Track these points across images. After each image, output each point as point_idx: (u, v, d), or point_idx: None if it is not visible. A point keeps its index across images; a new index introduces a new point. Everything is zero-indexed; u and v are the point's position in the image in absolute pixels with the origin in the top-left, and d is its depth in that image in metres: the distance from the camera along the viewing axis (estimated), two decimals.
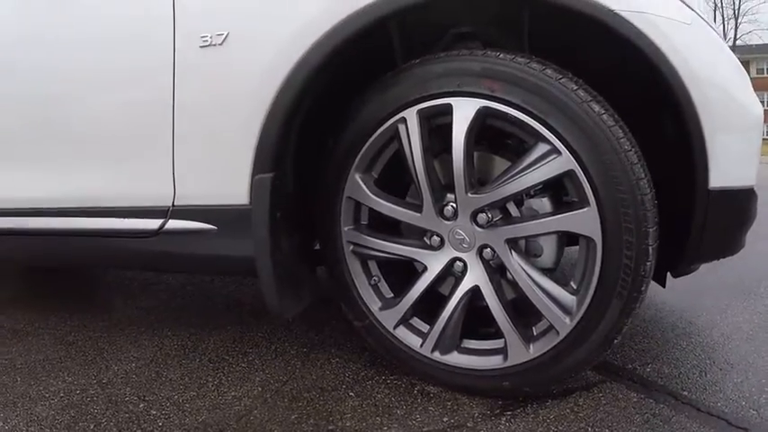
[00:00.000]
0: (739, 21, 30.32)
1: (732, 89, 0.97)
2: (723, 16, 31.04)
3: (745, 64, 35.50)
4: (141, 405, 1.07)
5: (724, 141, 0.92)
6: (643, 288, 0.87)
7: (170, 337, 1.40)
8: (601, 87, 0.92)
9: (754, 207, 1.05)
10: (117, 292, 1.90)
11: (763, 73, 35.80)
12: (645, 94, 0.95)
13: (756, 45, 30.72)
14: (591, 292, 0.89)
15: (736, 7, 30.05)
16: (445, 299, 1.04)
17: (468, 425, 0.97)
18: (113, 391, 1.14)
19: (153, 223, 1.05)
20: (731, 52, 1.04)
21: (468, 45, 1.04)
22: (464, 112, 0.89)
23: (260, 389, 1.11)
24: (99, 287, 1.99)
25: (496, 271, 0.99)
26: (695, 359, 1.25)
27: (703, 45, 0.94)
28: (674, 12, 0.91)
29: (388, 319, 1.08)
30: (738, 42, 31.33)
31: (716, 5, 30.83)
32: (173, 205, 1.04)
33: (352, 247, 1.07)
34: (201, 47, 0.97)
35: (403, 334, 1.08)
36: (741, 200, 1.00)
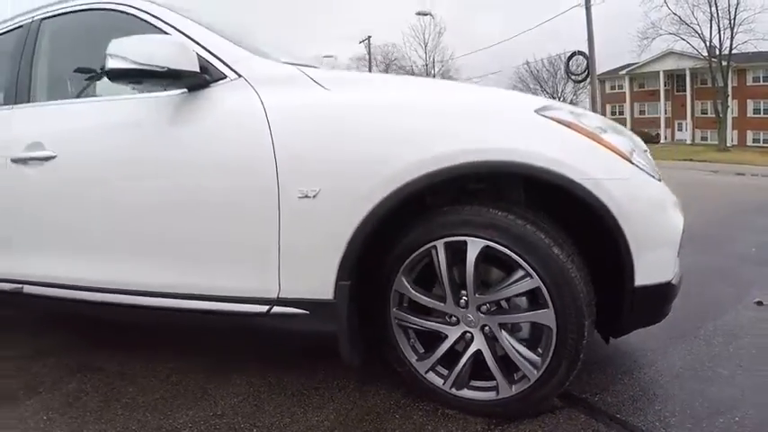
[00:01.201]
0: (735, 30, 31.11)
1: (657, 219, 1.61)
2: (719, 26, 31.87)
3: (741, 72, 36.63)
4: (255, 431, 1.68)
5: (647, 256, 1.56)
6: (581, 355, 1.51)
7: (256, 376, 2.01)
8: (568, 221, 1.54)
9: (672, 293, 1.68)
10: (199, 336, 2.49)
11: (759, 81, 37.01)
12: (596, 227, 1.57)
13: (753, 53, 31.60)
14: (549, 356, 1.53)
15: (732, 17, 30.89)
16: (459, 354, 1.67)
17: None
18: (230, 421, 1.74)
19: (263, 308, 1.67)
20: (660, 186, 1.67)
21: (479, 193, 1.66)
22: (474, 247, 1.52)
23: (334, 414, 1.74)
24: (183, 333, 2.56)
25: (492, 339, 1.62)
26: (631, 391, 1.88)
27: (636, 192, 1.57)
28: (616, 171, 1.54)
29: (422, 367, 1.71)
30: (735, 51, 32.22)
31: (712, 16, 31.72)
32: (277, 297, 1.66)
33: (397, 321, 1.70)
34: (299, 197, 1.58)
35: (431, 377, 1.71)
36: (659, 292, 1.64)
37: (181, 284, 1.76)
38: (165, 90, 1.81)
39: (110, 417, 1.81)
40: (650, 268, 1.59)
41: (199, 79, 1.74)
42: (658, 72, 41.97)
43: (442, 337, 1.69)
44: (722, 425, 1.65)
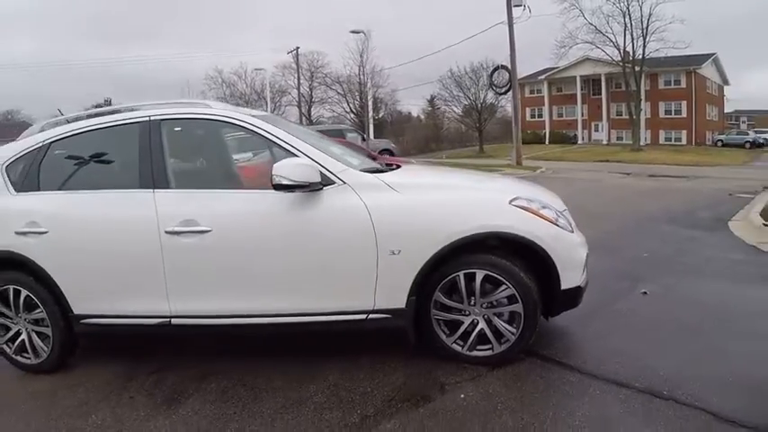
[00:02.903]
0: (648, 39, 35.41)
1: (570, 254, 3.29)
2: (632, 36, 36.09)
3: (654, 76, 41.38)
4: (361, 388, 3.16)
5: (566, 273, 3.24)
6: (536, 327, 3.16)
7: (342, 361, 3.45)
8: (529, 258, 3.17)
9: (581, 292, 3.38)
10: (281, 344, 3.85)
11: (670, 84, 42.35)
12: (540, 260, 3.20)
13: (664, 58, 35.93)
14: (520, 328, 3.17)
15: (645, 27, 35.03)
16: (470, 332, 3.25)
17: (482, 374, 3.20)
18: (345, 386, 3.17)
19: (363, 316, 3.16)
20: (572, 235, 3.34)
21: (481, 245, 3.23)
22: (480, 275, 3.13)
23: (403, 375, 3.24)
24: (265, 342, 3.93)
25: (489, 322, 3.21)
26: (563, 346, 3.54)
27: (559, 241, 3.24)
28: (548, 231, 3.20)
29: (449, 341, 3.28)
30: (647, 57, 36.40)
31: (626, 26, 35.90)
32: (372, 309, 3.15)
33: (434, 317, 3.25)
34: (389, 254, 3.08)
35: (454, 346, 3.28)
36: (573, 292, 3.33)
37: (305, 308, 3.23)
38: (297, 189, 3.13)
39: (262, 397, 3.16)
40: (568, 279, 3.27)
41: (319, 186, 3.15)
42: (575, 77, 46.24)
43: (459, 324, 3.26)
44: (613, 363, 3.30)
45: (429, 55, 53.92)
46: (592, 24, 36.57)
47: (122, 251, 3.42)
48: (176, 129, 3.60)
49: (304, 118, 46.31)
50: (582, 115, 47.92)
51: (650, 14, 35.01)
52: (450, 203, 3.24)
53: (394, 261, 3.10)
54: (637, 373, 3.14)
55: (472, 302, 3.21)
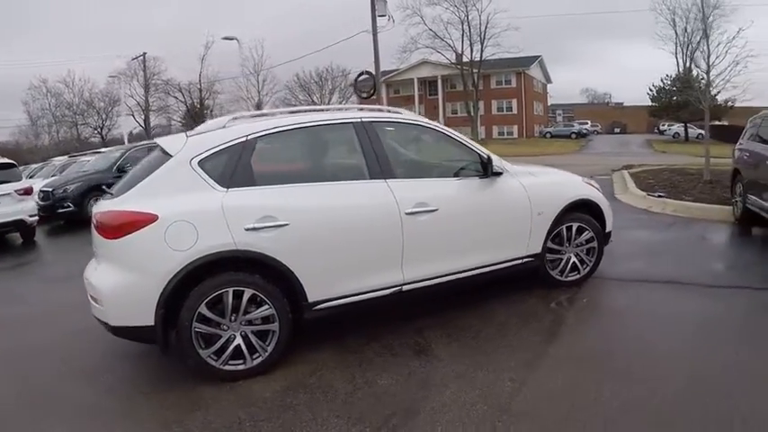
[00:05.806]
0: (484, 44, 41.43)
1: (610, 211, 6.10)
2: (470, 41, 41.60)
3: (487, 77, 48.16)
4: (528, 318, 5.62)
5: (609, 222, 6.02)
6: (601, 259, 5.90)
7: (494, 301, 5.88)
8: (592, 212, 5.91)
9: (610, 236, 6.21)
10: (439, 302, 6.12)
11: (501, 84, 49.83)
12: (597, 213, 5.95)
13: (495, 60, 42.16)
14: (592, 262, 5.87)
15: (482, 32, 40.81)
16: (566, 266, 5.80)
17: (576, 291, 5.76)
18: (529, 307, 5.62)
19: (519, 261, 5.42)
20: (607, 201, 6.16)
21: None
22: (575, 226, 5.68)
23: (534, 298, 5.73)
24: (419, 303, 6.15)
25: (578, 257, 5.83)
26: (606, 273, 6.30)
27: (605, 202, 6.02)
28: (599, 195, 5.98)
29: (553, 273, 5.75)
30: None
31: (463, 32, 41.21)
32: (525, 255, 5.43)
33: (546, 257, 5.76)
34: (537, 215, 5.37)
35: (556, 275, 5.77)
36: (609, 234, 6.14)
37: (493, 260, 5.28)
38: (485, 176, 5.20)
39: (479, 336, 5.00)
40: (609, 225, 6.04)
41: (499, 174, 5.23)
42: (413, 79, 51.34)
43: (559, 261, 5.78)
44: (633, 273, 6.17)
45: (280, 64, 55.33)
46: (432, 30, 41.56)
47: (367, 233, 4.29)
48: (386, 129, 4.72)
49: (139, 128, 46.31)
50: (419, 114, 53.00)
51: (488, 22, 41.14)
52: (561, 182, 5.85)
53: (539, 220, 5.42)
54: (648, 276, 6.02)
55: (567, 245, 5.74)
